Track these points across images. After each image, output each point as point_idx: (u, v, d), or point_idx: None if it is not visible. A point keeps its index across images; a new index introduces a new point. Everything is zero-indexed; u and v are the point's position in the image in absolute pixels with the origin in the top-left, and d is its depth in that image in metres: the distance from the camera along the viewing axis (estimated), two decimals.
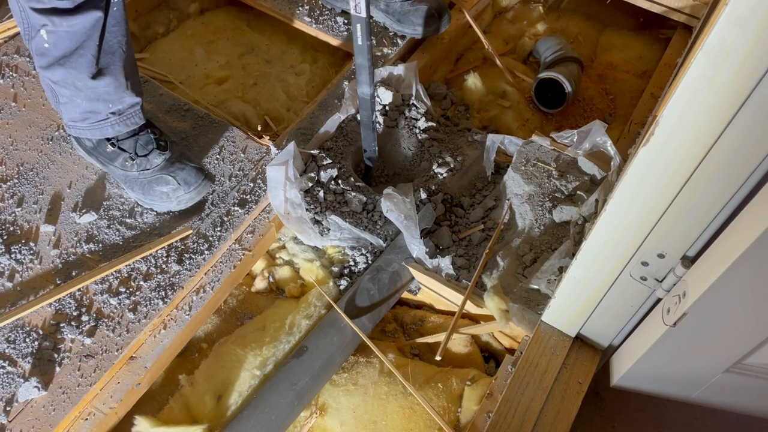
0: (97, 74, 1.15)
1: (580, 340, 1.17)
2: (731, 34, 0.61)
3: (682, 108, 0.70)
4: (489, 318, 1.25)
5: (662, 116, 0.72)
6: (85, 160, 1.35)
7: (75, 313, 1.16)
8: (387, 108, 1.47)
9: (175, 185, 1.25)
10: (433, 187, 1.36)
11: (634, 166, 0.80)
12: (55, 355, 1.12)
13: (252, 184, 1.35)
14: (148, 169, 1.25)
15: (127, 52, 1.17)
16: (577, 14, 1.95)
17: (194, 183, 1.26)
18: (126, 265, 1.22)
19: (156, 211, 1.29)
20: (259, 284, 1.37)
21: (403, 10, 1.58)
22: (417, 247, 1.25)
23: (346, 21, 1.67)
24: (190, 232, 1.27)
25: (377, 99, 1.46)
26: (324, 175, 1.33)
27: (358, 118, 1.46)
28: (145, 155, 1.26)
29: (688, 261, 0.88)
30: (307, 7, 1.70)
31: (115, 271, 1.21)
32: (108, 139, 1.26)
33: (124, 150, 1.26)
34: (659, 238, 0.88)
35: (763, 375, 0.97)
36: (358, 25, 1.14)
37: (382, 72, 1.48)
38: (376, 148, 1.37)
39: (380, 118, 1.46)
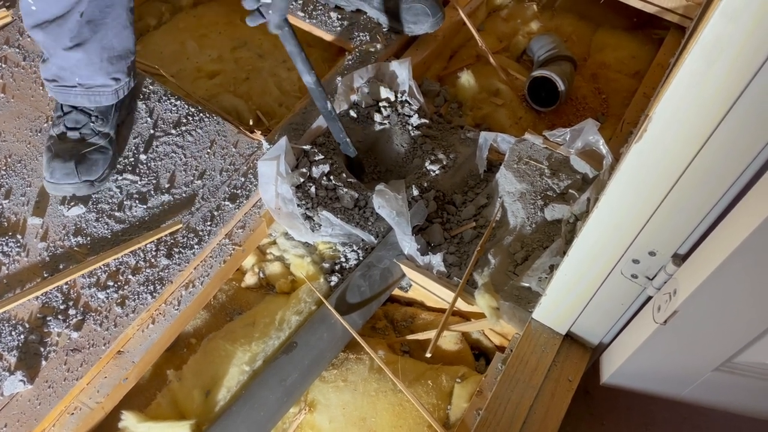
0: (73, 47, 1.17)
1: (570, 337, 1.17)
2: (726, 28, 0.61)
3: (676, 104, 0.70)
4: (480, 315, 1.25)
5: (655, 112, 0.72)
6: None
7: (62, 307, 1.15)
8: (380, 104, 1.47)
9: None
10: (425, 184, 1.36)
11: (626, 163, 0.80)
12: (42, 349, 1.10)
13: (243, 179, 1.34)
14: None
15: (113, 38, 1.18)
16: (571, 13, 1.95)
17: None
18: (114, 259, 1.20)
19: (144, 206, 1.28)
20: (249, 280, 1.36)
21: (396, 8, 1.58)
22: (408, 244, 1.25)
23: (339, 16, 1.67)
24: (180, 226, 1.26)
25: (370, 95, 1.46)
26: (316, 171, 1.32)
27: (351, 114, 1.45)
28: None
29: (679, 259, 0.88)
30: (300, 2, 1.69)
31: (104, 265, 1.20)
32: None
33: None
34: (650, 236, 0.87)
35: (751, 374, 0.97)
36: (270, 12, 1.06)
37: (376, 68, 1.47)
38: (347, 140, 1.32)
39: (373, 115, 1.45)
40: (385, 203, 1.24)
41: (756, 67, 0.62)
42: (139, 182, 1.32)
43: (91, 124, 1.28)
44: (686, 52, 0.67)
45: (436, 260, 1.25)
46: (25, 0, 1.14)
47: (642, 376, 1.09)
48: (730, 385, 1.01)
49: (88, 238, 1.24)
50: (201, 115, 1.43)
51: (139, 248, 1.22)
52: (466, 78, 1.64)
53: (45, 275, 1.18)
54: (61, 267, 1.19)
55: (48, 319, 1.13)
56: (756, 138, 0.68)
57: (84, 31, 1.16)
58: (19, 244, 1.22)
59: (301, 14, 1.67)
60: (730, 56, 0.63)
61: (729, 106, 0.67)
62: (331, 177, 1.33)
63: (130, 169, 1.34)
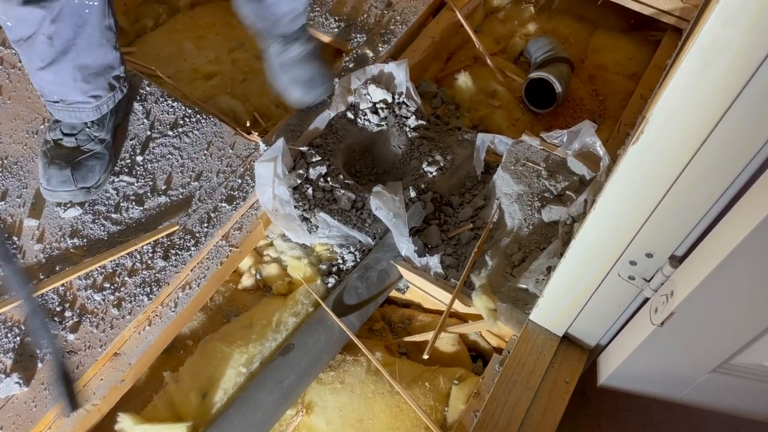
0: (44, 68, 1.17)
1: (567, 339, 1.17)
2: (723, 31, 0.61)
3: (673, 105, 0.70)
4: (477, 317, 1.25)
5: (652, 114, 0.72)
6: None
7: (58, 309, 1.14)
8: (377, 106, 1.46)
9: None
10: (423, 186, 1.36)
11: (624, 164, 0.80)
12: (38, 351, 1.10)
13: (240, 181, 1.34)
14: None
15: (86, 58, 1.18)
16: (568, 15, 1.95)
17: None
18: (111, 261, 1.20)
19: (140, 208, 1.28)
20: (246, 281, 1.35)
21: (280, 62, 1.42)
22: (406, 246, 1.25)
23: (336, 18, 1.66)
24: (177, 228, 1.26)
25: (368, 96, 1.46)
26: (313, 172, 1.32)
27: (348, 115, 1.45)
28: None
29: (676, 260, 0.88)
30: None
31: (100, 267, 1.19)
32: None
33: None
34: (647, 237, 0.87)
35: (749, 375, 0.97)
36: None
37: (373, 69, 1.47)
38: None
39: (370, 116, 1.45)
40: (383, 205, 1.24)
41: (753, 69, 0.62)
42: (136, 184, 1.32)
43: (87, 129, 1.27)
44: (683, 54, 0.67)
45: (434, 262, 1.24)
46: (0, 16, 1.14)
47: (639, 377, 1.08)
48: (727, 386, 1.01)
49: (85, 240, 1.23)
50: (198, 116, 1.43)
51: (136, 250, 1.22)
52: (464, 79, 1.64)
53: (41, 277, 1.18)
54: (57, 269, 1.19)
55: (44, 321, 1.13)
56: (753, 139, 0.68)
57: (52, 53, 1.15)
58: (15, 246, 1.21)
59: None
60: (728, 58, 0.63)
61: (726, 107, 0.67)
62: (329, 178, 1.32)
63: (126, 170, 1.34)
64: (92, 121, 1.28)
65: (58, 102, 1.24)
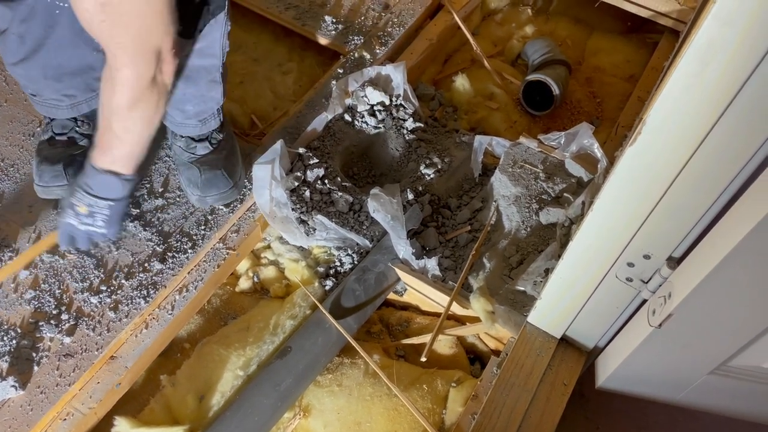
0: (17, 63, 1.15)
1: (565, 341, 1.17)
2: (720, 31, 0.61)
3: (669, 107, 0.70)
4: (475, 319, 1.25)
5: (650, 116, 0.72)
6: None
7: (54, 312, 1.14)
8: (374, 108, 1.46)
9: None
10: (421, 188, 1.36)
11: (621, 166, 0.80)
12: (34, 354, 1.09)
13: None
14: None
15: (58, 57, 1.14)
16: (565, 17, 1.96)
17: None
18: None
19: (137, 210, 1.27)
20: (244, 284, 1.35)
21: (181, 160, 1.31)
22: (403, 248, 1.25)
23: (334, 20, 1.67)
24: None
25: (365, 99, 1.45)
26: (310, 175, 1.32)
27: (346, 117, 1.45)
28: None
29: (674, 262, 0.88)
30: (295, 5, 1.69)
31: (97, 269, 1.19)
32: None
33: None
34: (645, 239, 0.87)
35: (746, 377, 0.97)
36: None
37: (370, 72, 1.47)
38: None
39: (368, 119, 1.45)
40: (380, 207, 1.24)
41: (750, 69, 0.62)
42: None
43: (77, 128, 1.26)
44: (680, 56, 0.67)
45: (431, 264, 1.24)
46: None
47: (637, 379, 1.08)
48: (725, 388, 1.01)
49: None
50: None
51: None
52: (461, 82, 1.64)
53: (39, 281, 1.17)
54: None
55: (40, 324, 1.12)
56: (751, 140, 0.68)
57: (23, 51, 1.13)
58: (11, 249, 1.21)
59: (296, 18, 1.67)
60: (724, 58, 0.63)
61: (723, 109, 0.67)
62: (326, 181, 1.32)
63: None
64: (81, 120, 1.27)
65: (35, 95, 1.23)
